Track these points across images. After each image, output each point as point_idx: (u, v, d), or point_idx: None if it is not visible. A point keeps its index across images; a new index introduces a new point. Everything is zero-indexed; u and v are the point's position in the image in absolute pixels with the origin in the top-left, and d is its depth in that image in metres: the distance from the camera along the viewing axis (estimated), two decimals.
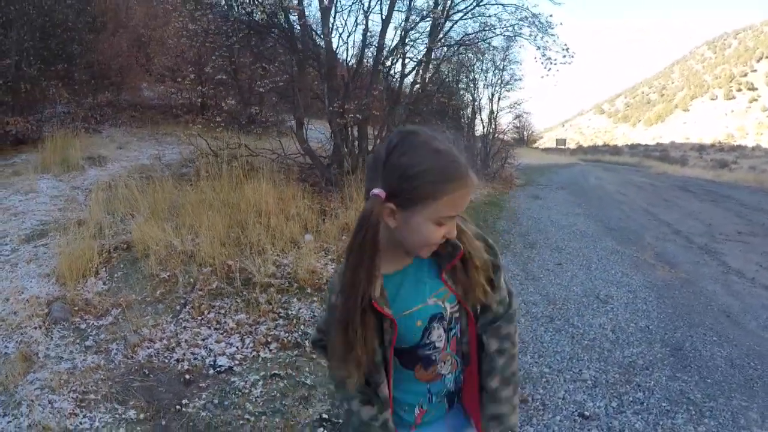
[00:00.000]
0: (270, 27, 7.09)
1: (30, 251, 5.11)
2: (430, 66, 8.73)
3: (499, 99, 16.34)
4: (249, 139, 8.42)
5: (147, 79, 10.66)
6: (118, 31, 9.50)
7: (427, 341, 1.35)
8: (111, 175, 7.39)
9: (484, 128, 16.00)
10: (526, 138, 40.33)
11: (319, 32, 7.35)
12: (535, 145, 45.04)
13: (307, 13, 7.64)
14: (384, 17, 7.56)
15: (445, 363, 1.39)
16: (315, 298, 4.56)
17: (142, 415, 2.99)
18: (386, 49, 7.63)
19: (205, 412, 3.04)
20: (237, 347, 3.80)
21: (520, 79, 17.00)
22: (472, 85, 15.47)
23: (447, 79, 14.11)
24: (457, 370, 1.43)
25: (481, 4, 8.37)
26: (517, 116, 20.44)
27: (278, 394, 3.22)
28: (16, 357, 3.43)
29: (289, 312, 4.31)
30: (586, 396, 3.49)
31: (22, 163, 7.60)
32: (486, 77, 15.84)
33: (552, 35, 8.67)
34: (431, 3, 7.93)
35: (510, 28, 8.67)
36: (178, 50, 8.47)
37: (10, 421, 2.85)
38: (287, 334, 3.97)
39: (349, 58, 8.03)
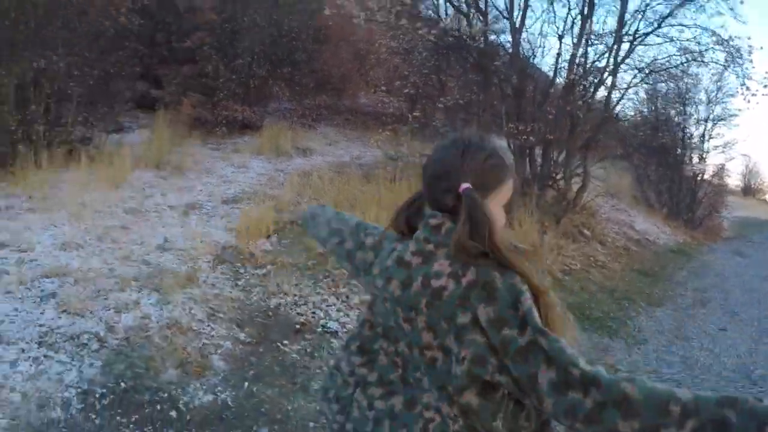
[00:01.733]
0: (459, 47, 7.83)
1: (226, 210, 6.47)
2: (613, 93, 8.59)
3: (710, 137, 14.83)
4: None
5: (364, 88, 12.23)
6: (339, 43, 11.19)
7: None
8: (312, 165, 8.75)
9: (693, 168, 14.59)
10: (753, 187, 34.15)
11: (509, 52, 7.86)
12: (765, 197, 37.47)
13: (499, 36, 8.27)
14: (575, 41, 7.77)
15: None
16: None
17: (248, 339, 3.84)
18: (575, 72, 7.78)
19: (296, 354, 3.79)
20: (351, 319, 4.45)
21: (736, 115, 14.91)
22: (682, 120, 14.29)
23: (651, 110, 13.38)
24: None
25: (663, 25, 8.08)
26: (731, 159, 17.87)
27: None
28: (183, 275, 4.56)
29: None
30: None
31: (243, 144, 9.32)
32: (698, 110, 14.43)
33: (749, 60, 7.99)
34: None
35: (702, 54, 8.17)
36: (392, 64, 9.72)
37: (157, 311, 3.91)
38: None
39: (537, 80, 8.36)
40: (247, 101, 9.78)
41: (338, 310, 4.59)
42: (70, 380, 3.05)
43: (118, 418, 2.87)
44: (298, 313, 4.38)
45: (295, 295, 4.66)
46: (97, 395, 2.98)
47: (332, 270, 5.24)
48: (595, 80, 8.13)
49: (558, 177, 8.25)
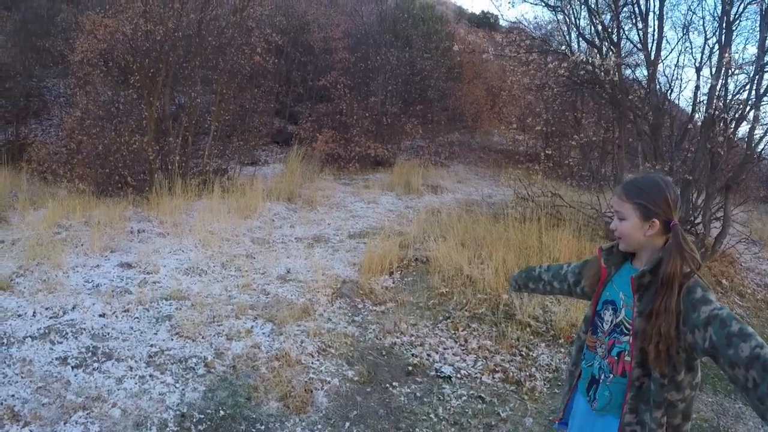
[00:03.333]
0: (592, 82, 7.38)
1: (352, 245, 6.45)
2: (757, 128, 7.49)
3: None
4: (567, 190, 8.76)
5: (497, 126, 12.05)
6: (473, 81, 11.16)
7: (602, 314, 1.91)
8: (442, 202, 8.60)
9: None
10: None
11: (645, 86, 7.26)
12: None
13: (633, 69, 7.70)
14: (713, 72, 6.97)
15: (600, 345, 1.89)
16: (562, 350, 4.57)
17: (356, 378, 3.67)
18: (714, 107, 6.99)
19: (404, 398, 3.57)
20: (468, 365, 4.16)
21: None
22: None
23: None
24: (605, 365, 1.86)
25: None
26: None
27: (470, 412, 3.52)
28: (300, 307, 4.52)
29: (531, 353, 4.42)
30: None
31: (375, 180, 9.43)
32: None
33: None
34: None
35: None
36: (524, 101, 9.48)
37: (268, 341, 3.87)
38: (516, 371, 4.13)
39: (674, 116, 7.62)
40: (380, 138, 9.97)
41: (455, 354, 4.32)
42: (171, 402, 3.06)
43: None
44: (412, 354, 4.19)
45: (412, 335, 4.49)
46: (195, 420, 2.95)
47: (453, 311, 4.97)
48: (737, 115, 7.25)
49: (697, 221, 7.38)
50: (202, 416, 2.98)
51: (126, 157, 6.56)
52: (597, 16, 7.28)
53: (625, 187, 1.83)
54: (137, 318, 3.96)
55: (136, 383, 3.19)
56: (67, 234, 5.49)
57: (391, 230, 6.96)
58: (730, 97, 7.24)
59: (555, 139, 9.14)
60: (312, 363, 3.73)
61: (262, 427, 2.99)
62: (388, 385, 3.69)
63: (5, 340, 3.43)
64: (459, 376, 3.97)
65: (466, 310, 5.02)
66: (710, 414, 4.19)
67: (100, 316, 3.92)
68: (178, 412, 2.98)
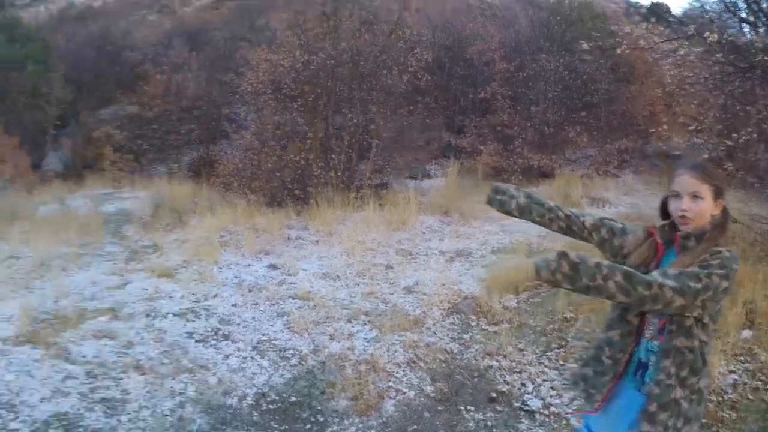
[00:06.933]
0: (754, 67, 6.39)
1: (492, 260, 6.53)
2: None
3: None
4: (737, 201, 7.73)
5: (674, 128, 10.99)
6: (645, 81, 10.46)
7: None
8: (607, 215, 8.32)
9: None
10: None
11: None
12: None
13: None
14: None
15: (648, 327, 1.97)
16: None
17: (434, 394, 3.84)
18: None
19: (472, 423, 3.54)
20: (562, 401, 3.86)
21: None
22: None
23: None
24: (653, 345, 1.95)
25: None
26: None
27: None
28: (412, 318, 4.87)
29: None
30: None
31: (536, 193, 9.31)
32: None
33: None
34: None
35: None
36: (702, 98, 8.53)
37: (363, 345, 4.36)
38: None
39: None
40: (544, 149, 9.91)
41: (552, 388, 4.06)
42: (258, 382, 3.80)
43: (272, 423, 3.42)
44: (504, 381, 4.10)
45: (513, 361, 4.38)
46: (269, 399, 3.62)
47: (571, 340, 4.78)
48: None
49: None
50: (277, 398, 3.63)
51: (293, 172, 7.65)
52: None
53: (700, 168, 1.97)
54: (262, 310, 4.79)
55: (237, 361, 3.98)
56: (231, 237, 6.60)
57: (540, 246, 6.93)
58: None
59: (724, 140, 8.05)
60: (396, 372, 4.06)
61: (322, 418, 3.48)
62: (462, 407, 3.70)
63: (152, 314, 4.54)
64: (546, 412, 3.72)
65: (585, 340, 4.85)
66: None
67: (232, 305, 4.82)
68: (259, 391, 3.67)
